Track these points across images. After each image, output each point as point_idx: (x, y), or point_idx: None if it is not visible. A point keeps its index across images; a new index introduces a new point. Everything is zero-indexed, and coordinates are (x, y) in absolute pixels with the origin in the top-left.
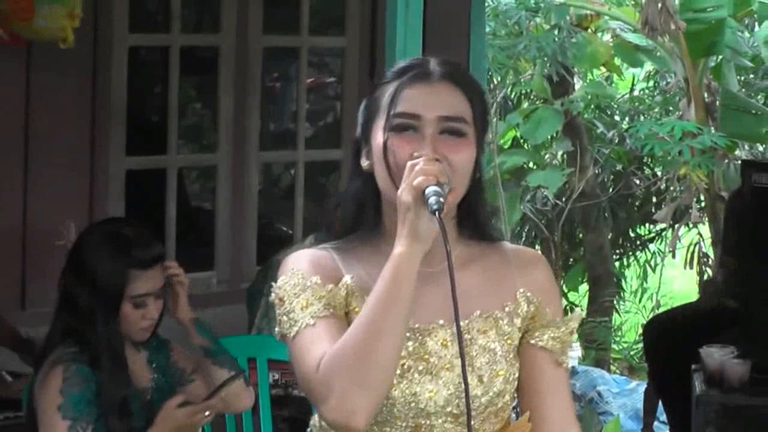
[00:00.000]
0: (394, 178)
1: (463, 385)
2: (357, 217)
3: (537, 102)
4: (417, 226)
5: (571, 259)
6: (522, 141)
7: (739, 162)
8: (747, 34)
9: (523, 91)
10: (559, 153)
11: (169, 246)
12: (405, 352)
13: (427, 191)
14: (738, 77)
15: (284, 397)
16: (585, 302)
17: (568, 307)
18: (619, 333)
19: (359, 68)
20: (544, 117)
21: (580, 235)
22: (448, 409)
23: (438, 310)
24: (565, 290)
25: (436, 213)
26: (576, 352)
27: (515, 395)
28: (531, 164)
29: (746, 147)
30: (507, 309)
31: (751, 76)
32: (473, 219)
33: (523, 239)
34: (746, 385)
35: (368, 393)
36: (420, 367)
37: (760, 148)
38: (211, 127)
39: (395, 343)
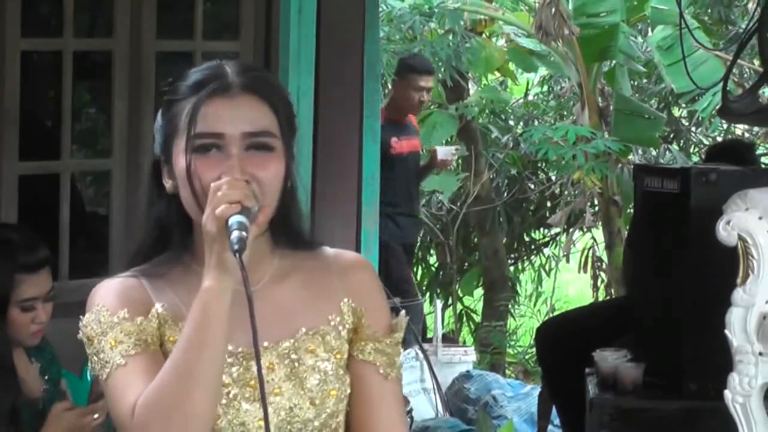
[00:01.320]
0: (200, 203)
1: (293, 411)
2: (162, 241)
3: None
4: (223, 258)
5: (467, 264)
6: None
7: (632, 166)
8: (640, 39)
9: None
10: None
11: (63, 251)
12: (229, 379)
13: (230, 222)
14: (631, 82)
15: None
16: (480, 306)
17: (396, 310)
18: (514, 337)
19: None
20: (438, 121)
21: (476, 240)
22: None
23: (260, 331)
24: (461, 294)
25: (237, 254)
26: (471, 356)
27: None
28: None
29: (639, 151)
30: (332, 322)
31: (645, 80)
32: (287, 228)
33: (418, 244)
34: (639, 388)
35: None
36: (246, 394)
37: (653, 153)
38: (105, 131)
39: (211, 387)
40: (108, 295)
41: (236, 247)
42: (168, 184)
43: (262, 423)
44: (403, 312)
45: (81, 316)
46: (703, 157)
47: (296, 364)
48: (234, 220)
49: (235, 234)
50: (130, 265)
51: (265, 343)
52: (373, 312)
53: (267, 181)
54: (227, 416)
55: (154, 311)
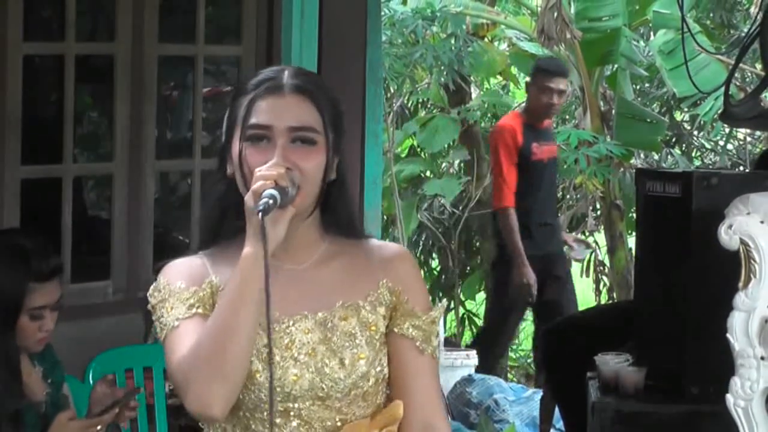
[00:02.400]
0: (248, 186)
1: (325, 369)
2: (221, 220)
3: (434, 111)
4: (258, 227)
5: (469, 268)
6: (419, 149)
7: (634, 170)
8: (642, 43)
9: (420, 100)
10: (456, 161)
11: (65, 255)
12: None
13: (263, 194)
14: (633, 86)
15: (181, 406)
16: (482, 310)
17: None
18: (516, 341)
19: None
20: (440, 126)
21: (477, 244)
22: (313, 392)
23: (302, 303)
24: (463, 298)
25: (260, 213)
26: (473, 360)
27: (387, 387)
28: (428, 173)
29: (641, 155)
30: (369, 298)
31: (647, 84)
32: (334, 218)
33: (420, 247)
34: (641, 392)
35: (223, 385)
36: (284, 354)
37: (655, 157)
38: (107, 135)
39: (246, 337)
40: (171, 270)
41: (259, 207)
42: (229, 169)
43: (295, 378)
44: (443, 301)
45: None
46: (756, 162)
47: (330, 331)
48: (266, 193)
49: (262, 201)
50: (201, 246)
51: (304, 312)
52: (412, 294)
53: (306, 170)
54: (266, 372)
55: (208, 281)
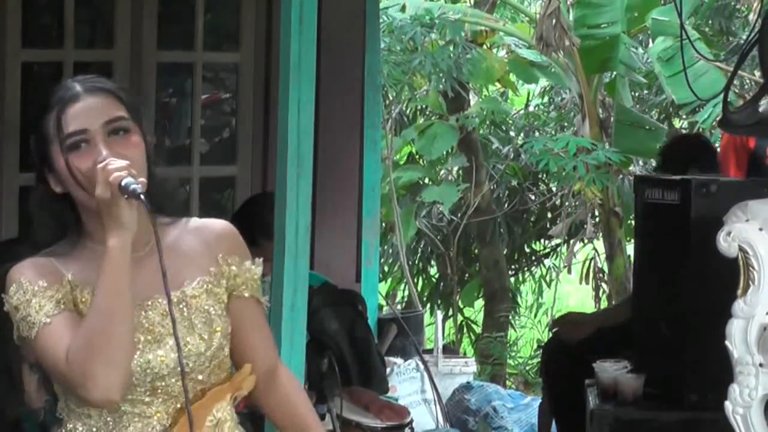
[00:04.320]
0: (86, 189)
1: (186, 347)
2: (62, 230)
3: (432, 118)
4: (120, 216)
5: (467, 275)
6: (417, 156)
7: (633, 178)
8: (641, 51)
9: (419, 107)
10: (455, 168)
11: None
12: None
13: (123, 183)
14: (632, 93)
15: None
16: (481, 317)
17: (395, 321)
18: (515, 348)
19: (254, 84)
20: (439, 133)
21: (476, 251)
22: (178, 369)
23: (153, 286)
24: (461, 305)
25: (141, 195)
26: (471, 367)
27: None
28: (426, 180)
29: (640, 162)
30: (213, 272)
31: (645, 91)
32: (158, 200)
33: (419, 254)
34: (640, 399)
35: (118, 369)
36: (148, 337)
37: (654, 164)
38: None
39: (128, 322)
40: (27, 270)
41: (139, 190)
42: (58, 188)
43: (162, 358)
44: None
45: (3, 295)
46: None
47: (185, 310)
48: (127, 181)
49: (132, 186)
50: (33, 250)
51: (156, 295)
52: (244, 263)
53: (133, 156)
54: (134, 356)
55: (66, 279)
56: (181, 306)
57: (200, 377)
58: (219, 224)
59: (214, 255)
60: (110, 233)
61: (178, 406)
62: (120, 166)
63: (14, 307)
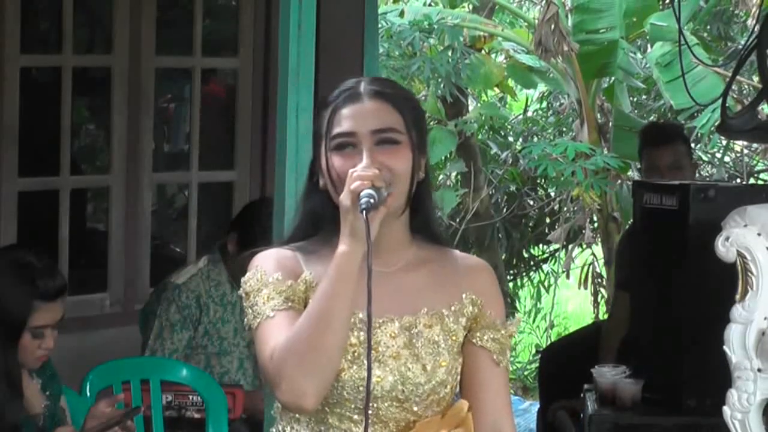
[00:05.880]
0: (339, 191)
1: (408, 373)
2: (314, 227)
3: (431, 123)
4: (355, 226)
5: None
6: None
7: (631, 183)
8: (639, 56)
9: None
10: (453, 174)
11: (62, 268)
12: (356, 341)
13: (361, 194)
14: (630, 98)
15: (177, 419)
16: None
17: (509, 314)
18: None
19: (252, 89)
20: (438, 138)
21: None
22: (393, 393)
23: (389, 305)
24: None
25: (364, 212)
26: None
27: (457, 391)
28: None
29: (638, 167)
30: (453, 308)
31: (644, 97)
32: (422, 219)
33: None
34: (638, 405)
35: (316, 378)
36: None
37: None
38: (105, 148)
39: (339, 332)
40: (268, 259)
41: (363, 207)
42: (321, 182)
43: (378, 379)
44: (518, 314)
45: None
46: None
47: (414, 337)
48: (365, 192)
49: (363, 199)
50: (290, 240)
51: (390, 315)
52: (492, 308)
53: (396, 168)
54: (350, 371)
55: (304, 277)
56: (413, 331)
57: (415, 408)
58: (475, 261)
59: (461, 290)
60: (343, 240)
61: None
62: (366, 175)
63: (246, 293)
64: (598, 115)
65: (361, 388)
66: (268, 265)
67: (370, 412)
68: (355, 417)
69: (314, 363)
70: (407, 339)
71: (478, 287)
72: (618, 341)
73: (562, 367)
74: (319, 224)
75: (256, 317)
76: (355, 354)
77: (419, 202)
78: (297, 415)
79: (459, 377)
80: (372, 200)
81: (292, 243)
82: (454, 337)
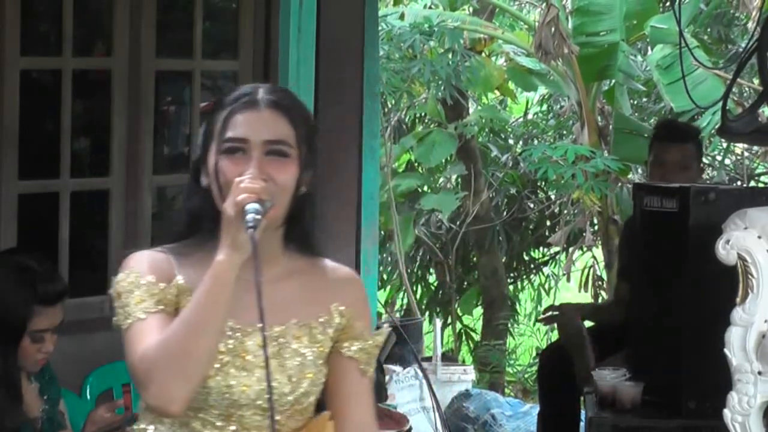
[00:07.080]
0: (224, 196)
1: (273, 383)
2: (192, 227)
3: (431, 125)
4: (237, 238)
5: (466, 283)
6: (416, 164)
7: (632, 185)
8: (639, 58)
9: (417, 115)
10: (453, 176)
11: (62, 270)
12: (225, 349)
13: (247, 207)
14: (631, 101)
15: None
16: (479, 325)
17: (383, 326)
18: (514, 356)
19: None
20: (438, 140)
21: (475, 259)
22: (258, 402)
23: (256, 314)
24: (460, 313)
25: (250, 230)
26: (470, 375)
27: (321, 399)
28: (425, 187)
29: (639, 170)
30: (321, 320)
31: (644, 99)
32: (298, 232)
33: (417, 262)
34: (638, 407)
35: (185, 383)
36: (237, 363)
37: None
38: (105, 150)
39: (212, 340)
40: (141, 261)
41: (250, 224)
42: (204, 181)
43: (244, 388)
44: (386, 326)
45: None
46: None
47: (282, 347)
48: (251, 207)
49: (250, 215)
50: (162, 243)
51: (259, 325)
52: (361, 319)
53: (281, 182)
54: (217, 378)
55: (175, 281)
56: (279, 342)
57: (278, 417)
58: (345, 273)
59: (330, 302)
60: (222, 249)
61: None
62: (253, 188)
63: (117, 293)
64: (599, 118)
65: (226, 395)
66: (141, 267)
67: (233, 419)
68: (219, 423)
69: (185, 368)
70: (276, 349)
71: (346, 299)
72: (621, 317)
73: (563, 365)
74: (198, 224)
75: (127, 318)
76: (223, 362)
77: (297, 214)
78: (160, 417)
79: (322, 387)
80: (258, 216)
81: (168, 243)
82: (321, 348)
